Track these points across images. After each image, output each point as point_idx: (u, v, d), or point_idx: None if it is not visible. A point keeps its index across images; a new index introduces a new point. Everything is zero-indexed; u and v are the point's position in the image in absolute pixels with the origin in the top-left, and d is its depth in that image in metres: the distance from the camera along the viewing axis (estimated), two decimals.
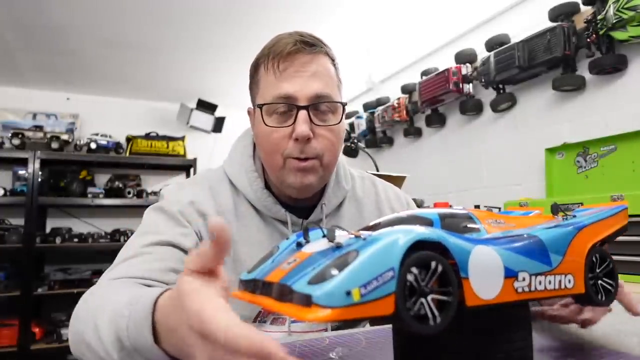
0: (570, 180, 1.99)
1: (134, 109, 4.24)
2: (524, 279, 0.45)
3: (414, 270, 0.38)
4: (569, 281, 0.50)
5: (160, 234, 0.82)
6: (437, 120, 2.97)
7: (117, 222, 3.90)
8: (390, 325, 0.50)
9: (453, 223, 0.49)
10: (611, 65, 1.87)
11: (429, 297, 0.39)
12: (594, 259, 0.54)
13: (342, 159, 1.04)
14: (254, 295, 0.45)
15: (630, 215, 1.71)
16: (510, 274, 0.45)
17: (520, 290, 0.45)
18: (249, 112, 0.95)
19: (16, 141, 3.56)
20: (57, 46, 3.03)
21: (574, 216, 0.58)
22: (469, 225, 0.50)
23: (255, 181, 0.92)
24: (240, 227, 0.90)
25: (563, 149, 2.03)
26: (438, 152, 3.05)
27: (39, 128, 3.71)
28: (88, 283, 3.37)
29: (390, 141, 3.54)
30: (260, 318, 0.88)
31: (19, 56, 3.20)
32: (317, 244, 0.46)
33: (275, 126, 0.85)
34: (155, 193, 3.92)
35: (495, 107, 2.50)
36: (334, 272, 0.36)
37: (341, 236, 0.44)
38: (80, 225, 3.85)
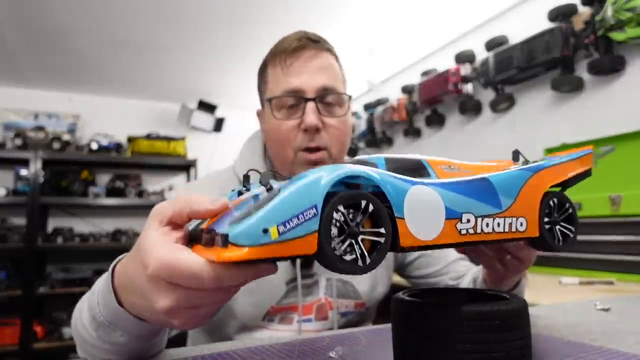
0: None
1: (135, 109, 4.25)
2: (468, 221, 0.43)
3: (341, 208, 0.37)
4: (521, 224, 0.48)
5: None
6: (437, 120, 2.97)
7: (119, 222, 3.91)
8: (389, 325, 0.51)
9: (400, 167, 0.46)
10: (609, 66, 1.88)
11: (359, 238, 0.38)
12: (551, 203, 0.52)
13: (346, 159, 1.05)
14: (190, 244, 0.43)
15: (630, 215, 1.72)
16: (453, 215, 0.42)
17: (464, 232, 0.43)
18: (258, 114, 0.98)
19: (18, 141, 3.57)
20: (59, 47, 3.03)
21: (535, 162, 0.55)
22: (417, 170, 0.47)
23: None
24: None
25: (562, 149, 2.04)
26: (437, 152, 3.05)
27: (40, 128, 3.72)
28: (89, 282, 3.37)
29: (389, 141, 3.55)
30: (269, 317, 0.88)
31: (21, 56, 3.21)
32: (254, 190, 0.45)
33: (285, 118, 0.87)
34: (156, 193, 3.93)
35: (494, 107, 2.51)
36: (254, 211, 0.35)
37: (279, 182, 0.42)
38: (81, 225, 3.86)
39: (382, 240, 0.39)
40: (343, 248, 0.37)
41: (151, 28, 2.79)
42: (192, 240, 0.44)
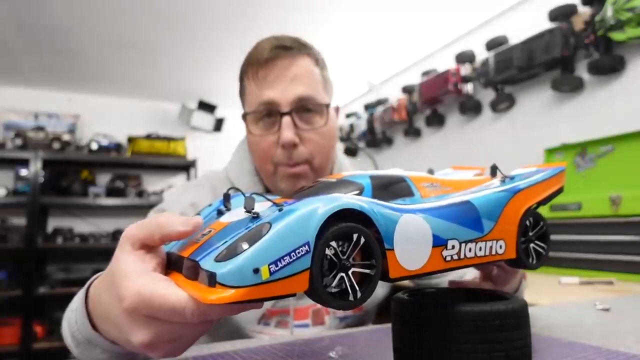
0: (568, 180, 1.98)
1: (135, 110, 4.25)
2: (453, 247, 0.44)
3: (334, 244, 0.36)
4: (500, 247, 0.48)
5: None
6: (437, 120, 2.97)
7: (119, 222, 3.91)
8: (389, 325, 0.51)
9: (385, 186, 0.46)
10: (609, 66, 1.88)
11: (350, 272, 0.37)
12: (527, 222, 0.53)
13: (345, 161, 1.04)
14: (169, 270, 0.41)
15: (630, 215, 1.72)
16: (439, 243, 0.42)
17: (448, 258, 0.43)
18: (243, 119, 0.97)
19: (18, 141, 3.58)
20: (59, 47, 3.03)
21: (512, 178, 0.56)
22: (402, 190, 0.47)
23: (255, 185, 0.93)
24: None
25: (562, 149, 2.04)
26: (437, 152, 3.05)
27: (40, 128, 3.73)
28: None
29: (389, 141, 3.55)
30: (265, 320, 0.88)
31: (21, 57, 3.21)
32: (236, 212, 0.43)
33: (262, 134, 0.85)
34: (156, 193, 3.93)
35: (494, 107, 2.51)
36: (244, 246, 0.33)
37: (262, 205, 0.41)
38: (81, 225, 3.86)
39: (372, 272, 0.38)
40: (334, 284, 0.36)
41: (151, 28, 2.79)
42: (170, 263, 0.42)
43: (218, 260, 0.34)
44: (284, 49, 0.85)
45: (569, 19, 2.02)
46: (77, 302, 0.53)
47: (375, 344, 0.63)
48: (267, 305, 0.87)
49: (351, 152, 3.69)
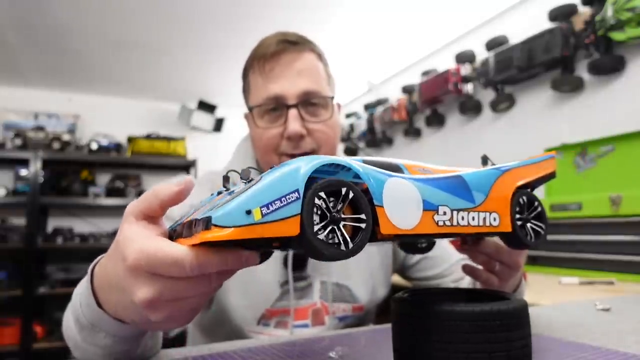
0: (569, 180, 1.99)
1: (135, 110, 4.25)
2: (444, 213, 0.46)
3: (323, 195, 0.38)
4: (494, 219, 0.51)
5: None
6: (437, 120, 2.97)
7: (118, 222, 3.84)
8: (389, 325, 0.51)
9: (377, 166, 0.47)
10: (609, 66, 1.88)
11: (341, 224, 0.39)
12: (521, 201, 0.55)
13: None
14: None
15: (630, 215, 1.72)
16: (430, 207, 0.45)
17: (441, 223, 0.45)
18: (245, 117, 0.97)
19: (18, 141, 3.58)
20: (59, 46, 3.04)
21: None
22: (393, 169, 0.48)
23: None
24: None
25: (562, 149, 2.04)
26: (437, 152, 3.05)
27: (40, 128, 3.73)
28: None
29: (389, 141, 3.55)
30: (264, 321, 0.88)
31: (21, 56, 3.21)
32: (235, 188, 0.45)
33: (267, 126, 0.86)
34: None
35: (494, 107, 2.51)
36: (237, 196, 0.36)
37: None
38: (81, 225, 3.86)
39: (363, 225, 0.40)
40: (325, 234, 0.38)
41: (151, 28, 2.79)
42: (172, 239, 0.43)
43: (213, 210, 0.36)
44: (290, 44, 0.86)
45: (569, 19, 2.02)
46: (82, 284, 0.53)
47: (375, 344, 0.63)
48: (267, 305, 0.87)
49: (351, 152, 3.69)
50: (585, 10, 1.97)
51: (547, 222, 0.57)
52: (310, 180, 0.38)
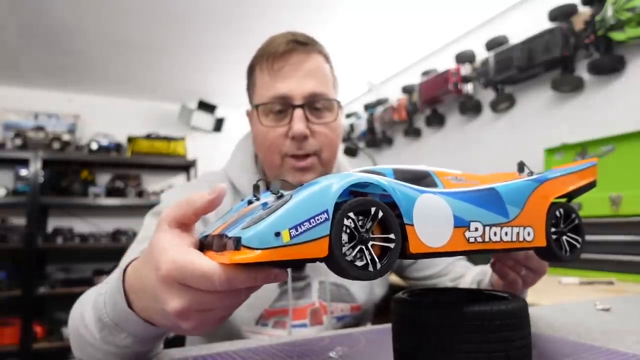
0: None
1: (135, 109, 4.25)
2: (476, 229, 0.44)
3: (352, 215, 0.37)
4: (529, 234, 0.49)
5: None
6: (437, 120, 2.97)
7: (118, 222, 3.91)
8: (389, 325, 0.51)
9: (408, 177, 0.47)
10: (609, 66, 1.88)
11: (369, 244, 0.38)
12: (557, 213, 0.52)
13: (344, 160, 1.04)
14: (202, 252, 0.44)
15: (630, 215, 1.71)
16: (461, 223, 0.43)
17: (472, 240, 0.44)
18: (247, 114, 0.96)
19: (18, 141, 3.58)
20: (59, 46, 3.03)
21: (541, 173, 0.55)
22: (426, 182, 0.48)
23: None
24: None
25: (562, 149, 2.04)
26: (437, 152, 3.05)
27: (40, 128, 3.73)
28: (89, 282, 3.38)
29: (389, 141, 3.55)
30: (262, 321, 0.87)
31: (21, 56, 3.21)
32: (264, 199, 0.46)
33: (271, 125, 0.86)
34: (156, 193, 3.93)
35: (494, 107, 2.51)
36: (266, 216, 0.36)
37: (288, 191, 0.43)
38: (81, 225, 3.86)
39: (391, 245, 0.39)
40: (353, 254, 0.38)
41: (151, 28, 2.79)
42: (202, 247, 0.44)
43: (243, 228, 0.37)
44: (299, 44, 0.86)
45: (569, 19, 2.02)
46: (105, 286, 0.54)
47: (375, 344, 0.63)
48: (265, 305, 0.87)
49: (351, 152, 3.69)
50: (585, 10, 1.97)
51: (584, 234, 0.55)
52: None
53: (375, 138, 3.62)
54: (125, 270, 0.51)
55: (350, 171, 0.43)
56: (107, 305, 0.52)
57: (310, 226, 0.36)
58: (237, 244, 0.36)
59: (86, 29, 2.79)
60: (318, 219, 0.36)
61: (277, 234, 0.35)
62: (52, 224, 3.77)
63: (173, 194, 0.95)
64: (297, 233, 0.35)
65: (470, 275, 0.94)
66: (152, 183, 4.19)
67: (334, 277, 0.92)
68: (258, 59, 0.89)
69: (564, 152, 2.03)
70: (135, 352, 0.54)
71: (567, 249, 0.54)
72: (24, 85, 3.84)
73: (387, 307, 0.53)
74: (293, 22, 2.64)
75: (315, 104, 0.86)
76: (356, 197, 0.39)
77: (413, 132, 3.21)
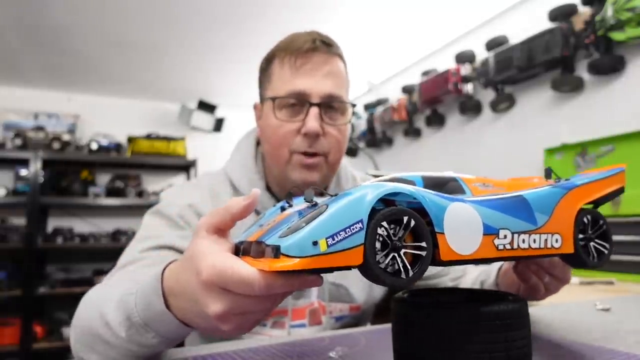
0: None
1: (135, 110, 4.25)
2: (505, 237, 0.45)
3: (385, 224, 0.39)
4: (556, 241, 0.49)
5: (159, 237, 0.81)
6: (437, 120, 2.97)
7: (119, 222, 3.91)
8: (389, 325, 0.51)
9: (436, 184, 0.48)
10: (609, 66, 1.88)
11: (402, 252, 0.40)
12: (585, 220, 0.53)
13: (345, 160, 1.04)
14: (239, 257, 0.46)
15: (630, 215, 1.71)
16: (490, 231, 0.44)
17: (501, 247, 0.45)
18: (255, 107, 0.96)
19: (18, 141, 3.57)
20: (59, 46, 3.03)
21: (568, 179, 0.56)
22: (454, 188, 0.49)
23: (257, 183, 0.92)
24: (238, 229, 0.90)
25: (562, 149, 2.04)
26: (437, 152, 3.05)
27: (40, 128, 3.73)
28: (90, 282, 3.38)
29: (389, 141, 3.55)
30: (261, 322, 0.87)
31: (21, 56, 3.21)
32: (298, 206, 0.47)
33: (286, 120, 0.86)
34: (156, 193, 3.93)
35: (494, 107, 2.51)
36: (303, 225, 0.38)
37: (320, 199, 0.44)
38: (81, 225, 3.86)
39: (423, 253, 0.40)
40: (386, 262, 0.39)
41: (151, 28, 2.79)
42: (238, 252, 0.46)
43: (281, 236, 0.39)
44: (324, 44, 0.87)
45: (569, 19, 2.02)
46: (136, 287, 0.54)
47: (375, 344, 0.63)
48: None
49: (351, 152, 3.69)
50: (585, 10, 1.97)
51: (612, 241, 0.56)
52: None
53: (375, 138, 3.62)
54: (162, 272, 0.52)
55: (355, 177, 0.44)
56: (138, 305, 0.52)
57: (346, 235, 0.37)
58: (277, 252, 0.37)
59: (86, 29, 2.79)
60: (353, 229, 0.37)
61: (315, 243, 0.36)
62: (52, 224, 3.77)
63: (173, 193, 0.95)
64: (333, 242, 0.37)
65: (471, 275, 0.94)
66: (152, 183, 4.19)
67: (333, 277, 0.92)
68: (279, 53, 0.89)
69: (564, 152, 2.03)
70: (155, 351, 0.56)
71: (595, 255, 0.54)
72: (24, 85, 3.83)
73: (387, 307, 0.53)
74: (293, 22, 2.64)
75: (331, 105, 0.87)
76: (387, 204, 0.41)
77: (413, 132, 3.21)
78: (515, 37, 2.30)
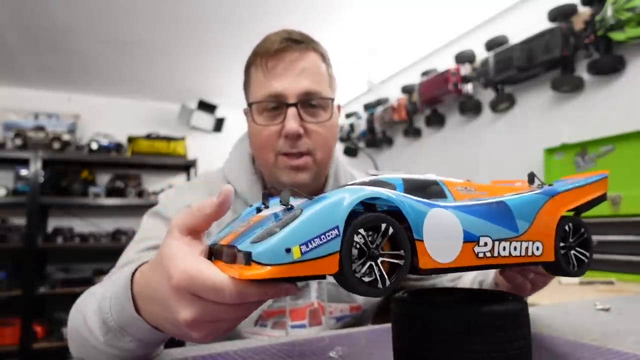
0: None
1: (135, 109, 4.25)
2: (485, 244, 0.44)
3: (362, 231, 0.37)
4: (537, 248, 0.48)
5: (157, 238, 0.81)
6: (437, 120, 2.97)
7: (119, 222, 3.92)
8: (389, 325, 0.51)
9: (417, 188, 0.46)
10: (609, 66, 1.88)
11: (379, 260, 0.38)
12: (566, 227, 0.52)
13: (342, 160, 1.04)
14: (212, 261, 0.44)
15: (630, 215, 1.72)
16: (471, 238, 0.43)
17: (481, 255, 0.43)
18: (245, 112, 0.96)
19: (18, 141, 3.58)
20: (59, 47, 3.04)
21: (551, 185, 0.55)
22: (435, 192, 0.47)
23: (254, 184, 0.92)
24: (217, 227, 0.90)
25: (562, 149, 2.04)
26: (437, 152, 3.05)
27: (40, 128, 3.73)
28: (90, 282, 3.38)
29: (389, 141, 3.55)
30: (261, 322, 0.87)
31: (21, 57, 3.21)
32: (273, 208, 0.46)
33: (265, 124, 0.85)
34: (156, 193, 3.93)
35: (494, 107, 2.51)
36: (277, 230, 0.36)
37: (297, 200, 0.43)
38: (81, 225, 3.86)
39: (401, 262, 0.39)
40: (363, 270, 0.38)
41: (151, 28, 2.79)
42: (212, 255, 0.44)
43: (253, 242, 0.37)
44: (294, 42, 0.85)
45: (569, 19, 2.02)
46: (112, 289, 0.54)
47: (375, 344, 0.63)
48: (264, 306, 0.87)
49: (351, 152, 3.69)
50: (585, 10, 1.97)
51: (593, 249, 0.55)
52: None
53: (375, 138, 3.62)
54: (132, 275, 0.51)
55: (355, 176, 0.43)
56: (112, 309, 0.52)
57: (321, 242, 0.35)
58: (248, 258, 0.36)
59: (86, 29, 2.79)
60: (329, 235, 0.36)
61: (288, 250, 0.35)
62: (52, 224, 3.77)
63: (170, 194, 0.95)
64: (307, 249, 0.35)
65: (470, 275, 0.94)
66: (152, 183, 4.19)
67: (332, 277, 0.91)
68: (253, 57, 0.89)
69: (564, 152, 2.03)
70: (138, 355, 0.54)
71: (575, 263, 0.53)
72: (24, 85, 3.83)
73: (387, 307, 0.53)
74: (293, 22, 2.63)
75: (309, 103, 0.85)
76: (365, 207, 0.39)
77: (413, 132, 3.21)
78: (515, 37, 2.30)
